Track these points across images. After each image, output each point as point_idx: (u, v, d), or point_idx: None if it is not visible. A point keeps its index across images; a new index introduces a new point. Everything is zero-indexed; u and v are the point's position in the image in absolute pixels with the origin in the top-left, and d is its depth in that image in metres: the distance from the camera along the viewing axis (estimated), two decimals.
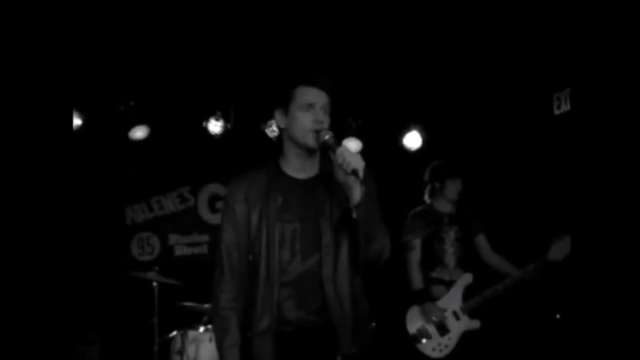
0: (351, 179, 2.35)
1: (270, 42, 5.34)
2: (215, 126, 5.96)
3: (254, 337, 2.48)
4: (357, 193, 2.35)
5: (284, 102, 2.54)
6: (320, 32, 5.19)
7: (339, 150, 2.38)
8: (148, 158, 6.36)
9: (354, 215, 2.36)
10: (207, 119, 5.96)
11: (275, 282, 2.47)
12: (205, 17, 5.08)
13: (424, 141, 6.18)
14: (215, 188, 6.50)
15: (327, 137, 2.44)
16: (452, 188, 4.68)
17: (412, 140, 6.20)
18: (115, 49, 5.28)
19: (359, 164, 2.33)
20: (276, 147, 2.66)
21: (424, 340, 4.45)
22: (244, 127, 6.12)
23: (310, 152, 2.54)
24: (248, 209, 2.54)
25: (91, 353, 5.78)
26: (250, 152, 5.86)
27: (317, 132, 2.46)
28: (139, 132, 5.93)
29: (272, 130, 5.89)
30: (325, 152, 2.52)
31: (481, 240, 4.74)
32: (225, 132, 6.01)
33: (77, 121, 5.60)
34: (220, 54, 5.52)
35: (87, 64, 5.20)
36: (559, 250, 4.33)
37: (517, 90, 5.69)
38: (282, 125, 2.58)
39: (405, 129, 6.20)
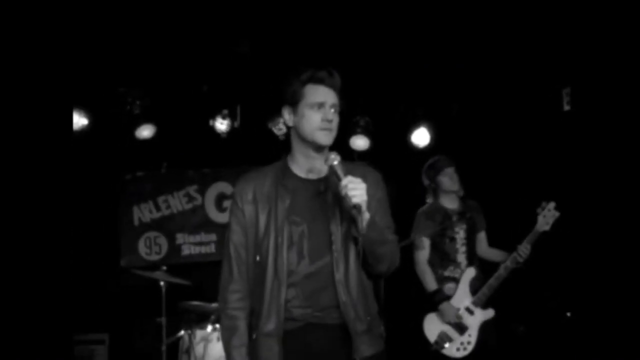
0: (354, 211, 2.31)
1: (278, 39, 5.32)
2: (222, 124, 5.94)
3: (259, 339, 2.44)
4: (359, 224, 2.30)
5: (293, 100, 2.50)
6: (328, 30, 5.17)
7: (343, 182, 2.32)
8: (155, 157, 6.34)
9: (359, 242, 2.34)
10: (213, 118, 5.94)
11: (283, 284, 2.43)
12: (212, 16, 5.05)
13: (433, 138, 6.13)
14: (222, 187, 6.47)
15: (335, 162, 2.39)
16: (445, 180, 4.66)
17: (421, 137, 6.15)
18: (122, 48, 5.26)
19: (361, 198, 2.30)
20: (283, 146, 2.62)
21: (447, 345, 4.44)
22: (251, 125, 6.09)
23: (318, 150, 2.50)
24: (256, 210, 2.51)
25: (99, 352, 5.78)
26: (257, 151, 5.83)
27: (327, 157, 2.41)
28: (146, 131, 5.91)
29: (279, 129, 5.86)
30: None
31: (482, 236, 4.75)
32: (232, 130, 5.98)
33: (83, 120, 5.58)
34: (227, 52, 5.50)
35: (93, 63, 5.20)
36: (545, 219, 4.35)
37: (526, 86, 5.65)
38: (291, 124, 2.54)
39: (414, 126, 6.16)
